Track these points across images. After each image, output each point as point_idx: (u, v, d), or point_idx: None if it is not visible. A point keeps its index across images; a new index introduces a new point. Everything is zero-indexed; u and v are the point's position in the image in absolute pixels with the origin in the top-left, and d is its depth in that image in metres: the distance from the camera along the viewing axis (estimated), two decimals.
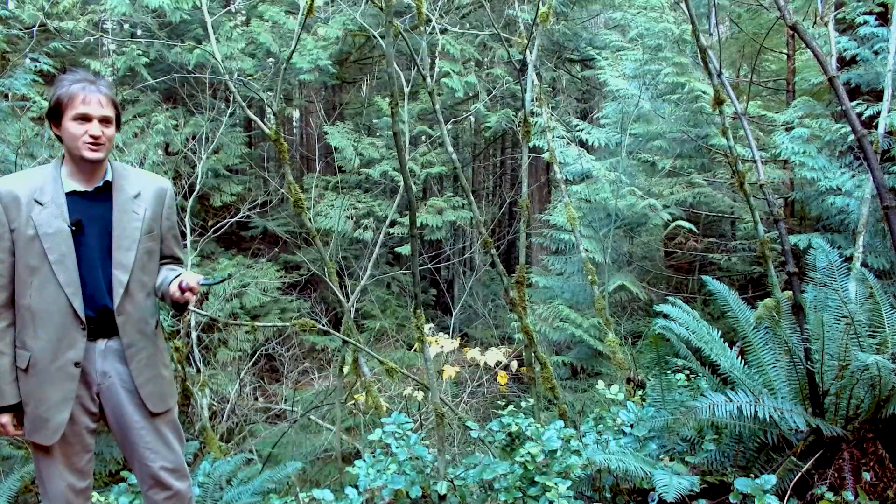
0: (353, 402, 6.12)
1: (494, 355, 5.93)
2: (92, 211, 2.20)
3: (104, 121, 2.17)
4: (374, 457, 3.21)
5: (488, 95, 9.64)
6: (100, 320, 2.20)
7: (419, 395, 5.67)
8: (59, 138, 2.21)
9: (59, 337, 2.13)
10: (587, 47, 9.74)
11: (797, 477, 2.93)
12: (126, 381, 2.23)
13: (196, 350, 6.50)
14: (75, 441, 2.21)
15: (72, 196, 2.19)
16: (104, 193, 2.24)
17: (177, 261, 2.44)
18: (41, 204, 2.13)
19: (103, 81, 2.24)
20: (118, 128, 2.25)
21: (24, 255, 2.12)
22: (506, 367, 6.11)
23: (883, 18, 5.70)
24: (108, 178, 2.25)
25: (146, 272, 2.28)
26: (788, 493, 2.88)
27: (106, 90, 2.19)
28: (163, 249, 2.37)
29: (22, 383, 2.16)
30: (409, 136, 7.94)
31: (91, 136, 2.14)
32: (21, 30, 7.71)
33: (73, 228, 2.15)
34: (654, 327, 3.65)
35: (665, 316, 3.74)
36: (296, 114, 14.83)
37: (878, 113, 4.82)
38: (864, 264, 4.60)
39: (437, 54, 7.88)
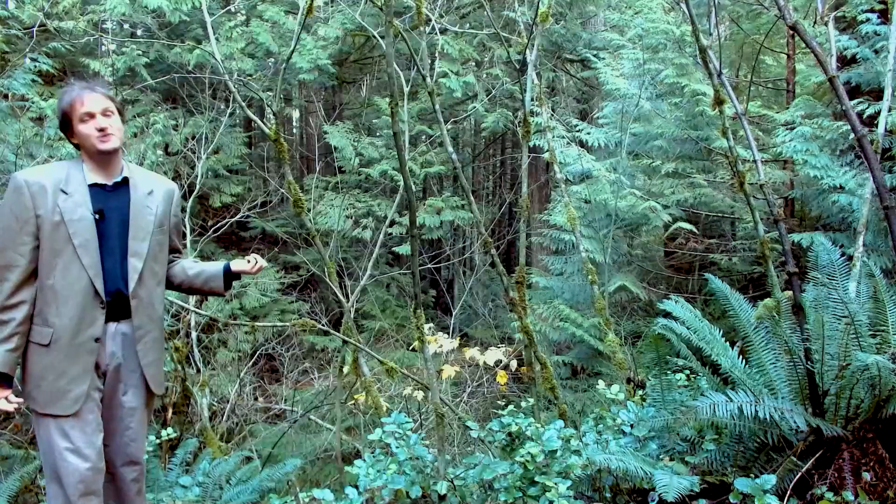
0: (353, 402, 6.12)
1: (494, 354, 5.93)
2: (111, 203, 2.39)
3: (105, 113, 2.35)
4: (374, 457, 3.21)
5: (487, 96, 9.63)
6: (114, 304, 2.35)
7: (419, 395, 5.67)
8: (77, 146, 2.41)
9: (80, 315, 2.28)
10: (584, 49, 9.73)
11: (797, 477, 2.93)
12: (130, 363, 2.40)
13: (196, 350, 6.50)
14: (92, 418, 2.31)
15: (93, 188, 2.37)
16: (122, 188, 2.43)
17: (179, 253, 2.67)
18: (66, 193, 2.31)
19: (98, 81, 2.45)
20: (123, 119, 2.43)
21: (49, 240, 2.27)
22: (506, 367, 6.11)
23: (884, 16, 5.69)
24: (126, 174, 2.44)
25: (157, 262, 2.48)
26: (788, 493, 2.88)
27: (101, 88, 2.39)
28: (169, 243, 2.57)
29: (42, 357, 2.28)
30: (409, 135, 7.93)
31: (98, 129, 2.33)
32: (21, 30, 7.71)
33: (97, 217, 2.33)
34: (655, 326, 3.65)
35: (668, 314, 3.74)
36: (296, 114, 14.82)
37: (879, 112, 4.82)
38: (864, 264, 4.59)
39: (436, 54, 7.87)
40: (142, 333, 2.40)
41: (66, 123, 2.37)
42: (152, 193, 2.47)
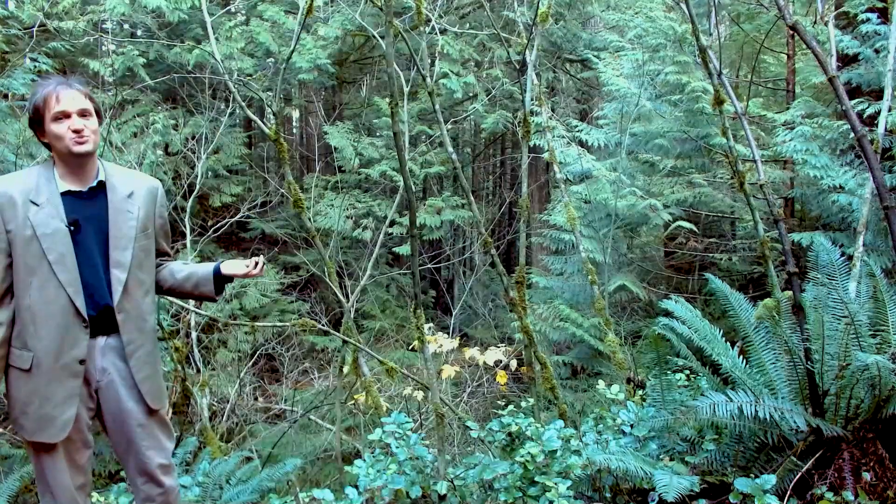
0: (353, 402, 6.12)
1: (494, 354, 5.93)
2: (88, 211, 2.22)
3: (83, 114, 2.18)
4: (374, 457, 3.21)
5: (487, 96, 9.63)
6: (101, 318, 2.21)
7: (419, 395, 5.67)
8: (47, 145, 2.23)
9: (61, 336, 2.14)
10: (584, 49, 9.72)
11: (797, 477, 2.93)
12: (126, 378, 2.26)
13: (196, 350, 6.50)
14: (77, 438, 2.23)
15: (67, 196, 2.20)
16: (98, 193, 2.26)
17: (167, 256, 2.50)
18: (37, 204, 2.14)
19: (75, 79, 2.26)
20: (100, 121, 2.27)
21: (22, 256, 2.12)
22: (505, 367, 6.11)
23: (884, 16, 5.69)
24: (101, 178, 2.27)
25: (143, 270, 2.31)
26: (788, 493, 2.88)
27: (79, 86, 2.22)
28: (156, 246, 2.41)
29: (25, 383, 2.16)
30: (409, 135, 7.94)
31: (74, 131, 2.16)
32: (21, 30, 7.71)
33: (72, 228, 2.17)
34: (655, 326, 3.65)
35: (668, 314, 3.73)
36: (295, 114, 14.82)
37: (879, 112, 4.81)
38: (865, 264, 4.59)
39: (436, 55, 7.87)
40: (133, 348, 2.25)
41: (38, 120, 2.18)
42: (132, 195, 2.29)
